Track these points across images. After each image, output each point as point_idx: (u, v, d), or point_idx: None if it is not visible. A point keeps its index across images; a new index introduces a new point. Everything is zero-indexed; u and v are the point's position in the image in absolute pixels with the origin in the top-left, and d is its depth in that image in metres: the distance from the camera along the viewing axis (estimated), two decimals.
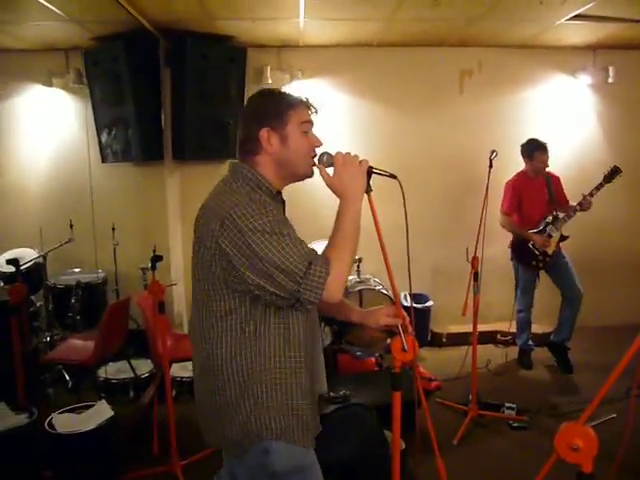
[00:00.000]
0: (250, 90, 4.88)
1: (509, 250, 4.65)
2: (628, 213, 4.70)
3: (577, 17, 4.39)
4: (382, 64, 5.23)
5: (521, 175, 4.59)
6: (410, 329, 1.79)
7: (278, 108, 1.64)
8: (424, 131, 5.35)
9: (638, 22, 4.50)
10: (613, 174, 4.21)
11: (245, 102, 1.80)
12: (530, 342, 4.73)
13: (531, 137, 4.54)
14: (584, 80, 5.45)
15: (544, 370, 4.61)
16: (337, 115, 5.22)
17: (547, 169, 4.50)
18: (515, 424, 3.63)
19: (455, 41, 5.10)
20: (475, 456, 3.32)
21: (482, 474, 3.17)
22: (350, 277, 4.67)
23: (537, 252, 4.46)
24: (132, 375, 4.06)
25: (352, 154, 1.65)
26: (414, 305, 5.07)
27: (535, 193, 4.53)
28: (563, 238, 4.48)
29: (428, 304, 5.15)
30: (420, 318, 5.09)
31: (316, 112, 1.73)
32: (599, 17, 4.41)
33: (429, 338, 5.23)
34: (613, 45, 5.30)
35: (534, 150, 4.44)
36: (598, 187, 4.25)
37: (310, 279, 1.45)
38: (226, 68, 4.69)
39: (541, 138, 5.06)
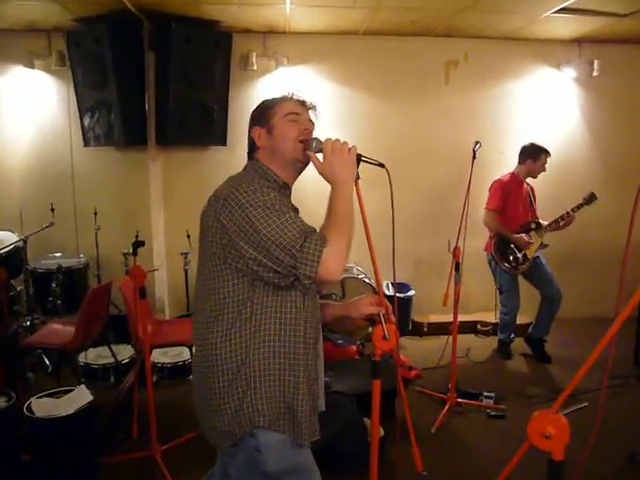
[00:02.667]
0: (235, 76, 4.85)
1: (485, 253, 4.67)
2: (609, 207, 4.75)
3: (563, 10, 4.40)
4: (368, 53, 5.22)
5: (511, 177, 4.61)
6: (392, 318, 1.80)
7: (265, 108, 1.76)
8: (409, 121, 5.35)
9: (623, 16, 4.53)
10: (591, 199, 4.32)
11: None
12: (512, 335, 4.80)
13: (534, 142, 4.60)
14: (569, 73, 5.48)
15: (522, 360, 4.68)
16: (322, 103, 5.12)
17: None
18: (493, 413, 3.69)
19: (441, 31, 5.10)
20: (453, 443, 3.37)
21: (459, 461, 3.22)
22: None
23: (517, 255, 4.50)
24: (113, 360, 4.05)
25: (341, 140, 1.67)
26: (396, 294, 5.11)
27: (522, 198, 4.60)
28: (543, 246, 4.54)
29: (410, 294, 5.19)
30: (402, 307, 5.13)
31: (311, 106, 1.83)
32: (584, 10, 4.43)
33: (410, 327, 5.28)
34: (598, 39, 5.33)
35: (541, 152, 4.51)
36: (579, 207, 4.35)
37: (306, 252, 1.47)
38: (211, 53, 4.63)
39: (525, 130, 5.12)
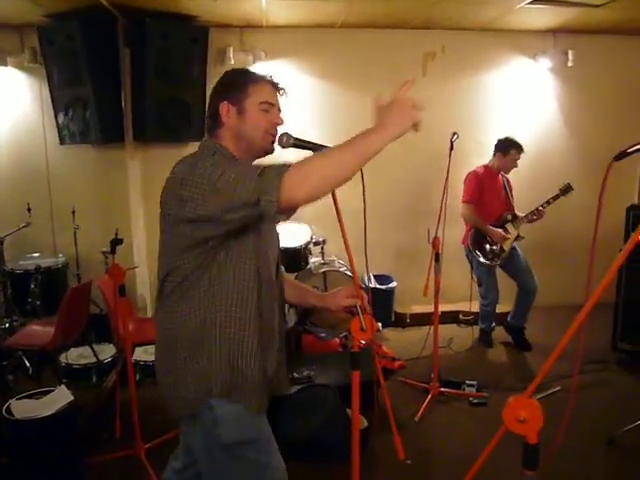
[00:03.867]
0: (213, 71, 4.81)
1: (462, 246, 4.70)
2: (585, 196, 4.79)
3: (537, 1, 4.44)
4: (346, 46, 5.22)
5: (485, 169, 4.62)
6: (368, 309, 1.82)
7: (240, 82, 1.67)
8: None
9: (596, 7, 4.57)
10: (567, 190, 4.34)
11: (208, 83, 1.83)
12: (492, 324, 4.85)
13: (508, 136, 4.58)
14: (544, 63, 5.53)
15: (503, 348, 4.74)
16: (300, 97, 5.18)
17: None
18: (475, 400, 3.73)
19: (418, 24, 5.11)
20: (436, 432, 3.41)
21: (443, 449, 3.26)
22: (314, 259, 4.69)
23: (494, 247, 4.53)
24: (94, 360, 4.02)
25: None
26: (378, 286, 5.14)
27: (496, 190, 4.61)
28: (519, 237, 4.58)
29: (392, 285, 5.21)
30: (384, 299, 5.17)
31: (284, 92, 1.75)
32: (559, 1, 4.47)
33: (393, 319, 5.31)
34: (572, 29, 5.38)
35: (510, 147, 4.49)
36: (554, 198, 4.38)
37: (264, 179, 1.39)
38: (188, 48, 4.59)
39: (503, 120, 5.15)
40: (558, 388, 3.66)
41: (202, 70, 4.72)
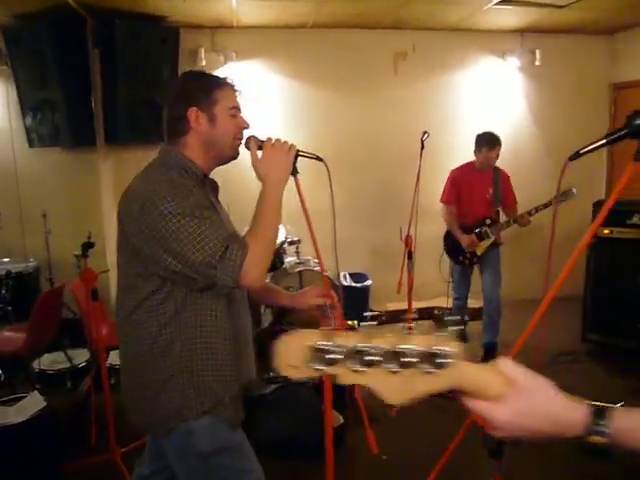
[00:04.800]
0: (184, 72, 4.80)
1: (440, 243, 4.63)
2: (554, 193, 4.89)
3: (504, 2, 4.53)
4: (317, 46, 5.25)
5: (466, 166, 4.45)
6: (339, 308, 1.84)
7: (206, 89, 1.65)
8: (359, 112, 5.41)
9: (561, 8, 4.68)
10: (566, 195, 3.99)
11: (176, 79, 1.80)
12: (465, 318, 4.90)
13: (487, 131, 4.32)
14: (513, 63, 5.64)
15: (477, 343, 4.80)
16: (272, 97, 5.21)
17: (498, 165, 4.36)
18: (450, 395, 3.77)
19: (389, 24, 5.17)
20: (412, 427, 3.45)
21: (418, 443, 3.30)
22: (289, 259, 4.71)
23: (466, 250, 4.40)
24: (68, 365, 3.98)
25: (282, 140, 1.67)
26: (353, 284, 5.18)
27: (476, 188, 4.36)
28: (497, 244, 4.41)
29: (367, 283, 5.26)
30: (359, 297, 5.20)
31: (240, 94, 1.74)
32: (524, 2, 4.56)
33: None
34: (539, 29, 5.51)
35: (482, 144, 4.25)
36: (545, 205, 4.08)
37: (226, 263, 1.46)
38: (158, 49, 4.56)
39: (473, 119, 5.19)
40: None
41: (173, 71, 4.70)
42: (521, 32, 5.59)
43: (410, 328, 0.75)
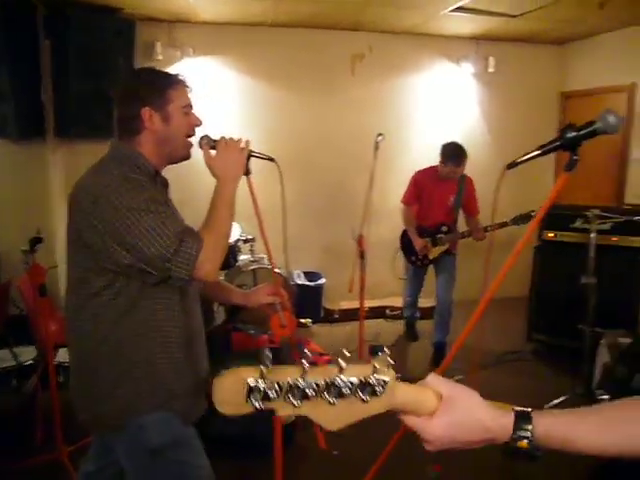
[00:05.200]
0: (139, 65, 4.73)
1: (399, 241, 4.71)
2: (506, 198, 5.01)
3: (459, 9, 4.65)
4: (275, 44, 5.26)
5: (429, 170, 4.43)
6: (289, 306, 1.87)
7: (159, 88, 1.65)
8: (315, 112, 5.45)
9: (513, 17, 4.84)
10: (524, 219, 4.06)
11: (127, 76, 1.77)
12: (416, 314, 5.01)
13: (454, 141, 4.31)
14: (467, 68, 5.79)
15: (428, 342, 4.91)
16: (228, 94, 5.19)
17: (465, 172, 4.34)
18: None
19: (347, 25, 5.22)
20: (362, 423, 3.48)
21: (368, 439, 3.36)
22: (244, 256, 4.71)
23: (418, 252, 4.49)
24: (14, 363, 3.87)
25: (235, 139, 1.69)
26: (307, 283, 5.22)
27: (438, 194, 4.39)
28: (450, 252, 4.47)
29: (320, 282, 5.31)
30: (313, 295, 5.25)
31: (191, 91, 1.74)
32: (479, 10, 4.69)
33: (322, 314, 5.40)
34: (493, 37, 5.67)
35: (448, 160, 4.21)
36: (502, 225, 4.10)
37: (181, 256, 1.48)
38: (113, 41, 4.48)
39: (428, 122, 5.26)
40: (460, 376, 3.87)
41: (129, 65, 4.63)
42: (476, 39, 5.74)
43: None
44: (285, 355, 1.97)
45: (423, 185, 4.42)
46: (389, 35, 5.50)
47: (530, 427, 0.84)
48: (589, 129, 1.17)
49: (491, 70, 5.78)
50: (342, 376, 0.76)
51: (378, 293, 5.38)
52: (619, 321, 3.84)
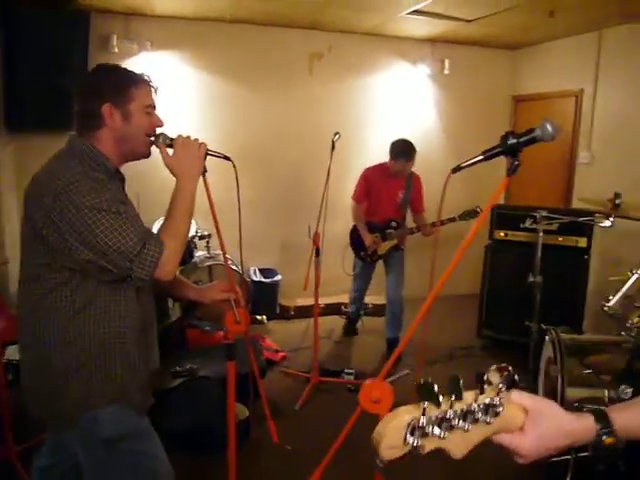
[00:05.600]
0: (94, 59, 4.64)
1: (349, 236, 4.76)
2: (461, 198, 5.11)
3: (416, 12, 4.73)
4: (234, 41, 5.24)
5: (379, 167, 4.52)
6: (242, 302, 1.90)
7: (121, 85, 1.64)
8: (274, 110, 5.46)
9: (468, 22, 4.96)
10: (470, 215, 4.17)
11: (89, 72, 1.76)
12: (361, 311, 5.11)
13: (403, 138, 4.40)
14: (423, 70, 5.90)
15: (380, 337, 4.99)
16: (186, 90, 5.15)
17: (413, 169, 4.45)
18: (353, 387, 3.93)
19: (306, 24, 5.25)
20: (315, 419, 3.56)
21: (321, 434, 3.40)
22: (200, 253, 4.70)
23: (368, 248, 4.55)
24: None
25: (192, 138, 1.71)
26: (263, 280, 5.24)
27: (387, 191, 4.47)
28: (398, 248, 4.56)
29: (276, 278, 5.34)
30: (269, 292, 5.27)
31: (156, 91, 1.75)
32: (435, 14, 4.79)
33: (278, 311, 5.43)
34: (448, 40, 5.80)
35: (399, 156, 4.31)
36: (450, 220, 4.17)
37: (143, 258, 1.51)
38: (67, 33, 4.38)
39: (385, 122, 5.35)
40: (407, 371, 3.98)
41: (83, 57, 4.53)
42: (432, 41, 5.86)
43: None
44: (239, 351, 1.99)
45: (373, 181, 4.50)
46: (348, 35, 5.55)
47: (610, 423, 0.90)
48: (528, 137, 1.24)
49: (446, 72, 5.90)
50: (478, 402, 0.80)
51: (333, 290, 5.45)
52: (565, 318, 3.99)
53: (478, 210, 4.18)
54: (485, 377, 0.83)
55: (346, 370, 4.07)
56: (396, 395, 1.41)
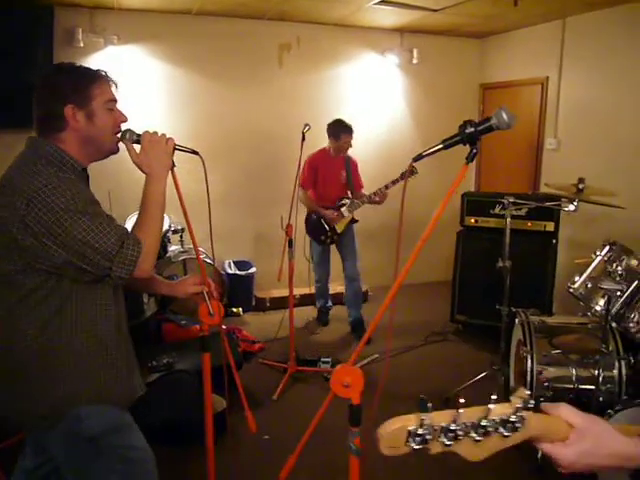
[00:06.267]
0: (59, 53, 4.59)
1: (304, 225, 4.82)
2: (431, 185, 5.21)
3: (383, 2, 4.76)
4: (201, 34, 5.20)
5: (321, 152, 4.72)
6: (215, 294, 1.92)
7: (80, 84, 1.62)
8: (244, 103, 5.45)
9: (435, 11, 5.01)
10: (409, 174, 4.47)
11: (47, 73, 1.73)
12: (328, 304, 5.20)
13: (338, 118, 4.66)
14: (392, 60, 5.94)
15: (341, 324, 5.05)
16: (153, 84, 5.11)
17: (349, 152, 4.71)
18: (329, 376, 3.97)
19: (274, 15, 5.24)
20: (293, 408, 3.61)
21: (299, 423, 3.44)
22: (173, 247, 4.69)
23: (327, 228, 4.69)
24: None
25: (159, 133, 1.71)
26: (238, 272, 5.25)
27: (332, 172, 4.70)
28: (354, 221, 4.76)
29: (251, 271, 5.35)
30: (244, 284, 5.29)
31: (116, 86, 1.74)
32: (401, 4, 4.83)
33: (254, 303, 5.45)
34: (416, 29, 5.84)
35: (340, 131, 4.56)
36: (394, 182, 4.47)
37: (123, 257, 1.52)
38: (30, 28, 4.32)
39: (355, 111, 5.40)
40: (376, 355, 4.07)
41: (48, 52, 4.48)
42: (400, 31, 5.90)
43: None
44: (215, 343, 2.02)
45: (317, 166, 4.69)
46: (316, 26, 5.56)
47: None
48: (485, 125, 1.28)
49: (415, 61, 5.96)
50: (489, 417, 0.86)
51: (309, 280, 5.48)
52: (535, 301, 4.09)
53: (415, 170, 4.24)
54: (512, 394, 0.90)
55: (323, 359, 4.12)
56: (366, 379, 1.45)
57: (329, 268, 4.99)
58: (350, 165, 4.75)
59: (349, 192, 4.77)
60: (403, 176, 4.40)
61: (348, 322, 4.92)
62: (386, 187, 4.52)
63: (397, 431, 0.84)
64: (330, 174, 4.70)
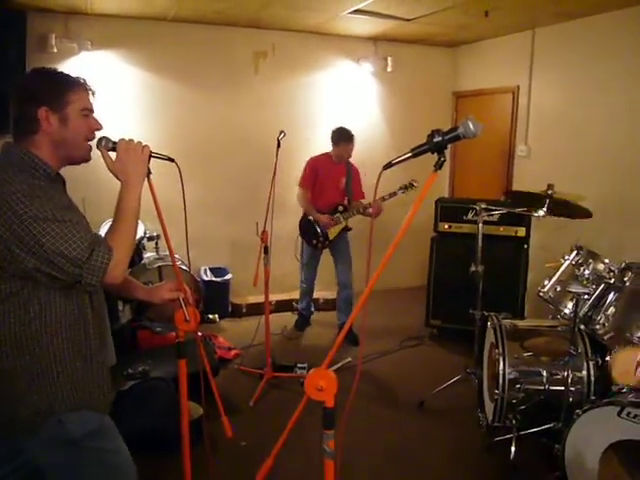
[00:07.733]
0: (32, 59, 4.55)
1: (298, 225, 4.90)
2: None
3: (357, 11, 4.83)
4: (177, 40, 5.20)
5: (324, 156, 4.79)
6: (191, 301, 1.93)
7: (57, 88, 1.63)
8: (220, 110, 5.46)
9: (407, 21, 5.09)
10: (408, 187, 4.48)
11: (24, 76, 1.74)
12: (312, 308, 5.23)
13: (341, 126, 4.72)
14: (367, 68, 6.01)
15: (334, 331, 5.07)
16: (128, 91, 5.08)
17: (351, 160, 4.77)
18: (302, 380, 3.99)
19: (249, 22, 5.26)
20: (269, 413, 3.61)
21: (275, 428, 3.45)
22: (149, 254, 4.67)
23: (319, 232, 4.73)
24: None
25: (135, 141, 1.72)
26: (214, 279, 5.24)
27: (332, 178, 4.74)
28: (347, 229, 4.80)
29: (227, 277, 5.35)
30: (220, 291, 5.28)
31: (94, 94, 1.75)
32: (375, 13, 4.90)
33: (230, 309, 5.45)
34: (390, 38, 5.93)
35: (340, 139, 4.64)
36: (391, 194, 4.48)
37: (92, 264, 1.50)
38: (2, 34, 4.27)
39: (330, 119, 5.45)
40: (349, 359, 4.11)
41: (21, 58, 4.43)
42: (374, 40, 5.98)
43: None
44: (190, 350, 2.03)
45: (319, 169, 4.74)
46: (292, 34, 5.60)
47: None
48: (452, 134, 1.32)
49: (389, 70, 6.04)
50: None
51: (285, 286, 5.50)
52: (508, 305, 4.17)
53: (414, 184, 4.44)
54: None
55: (299, 365, 4.14)
56: (339, 382, 1.48)
57: (316, 271, 5.02)
58: (351, 173, 4.80)
59: (347, 200, 4.79)
60: (402, 189, 4.49)
61: (337, 325, 4.96)
62: (382, 199, 4.48)
63: (626, 358, 0.85)
64: (330, 179, 4.75)
